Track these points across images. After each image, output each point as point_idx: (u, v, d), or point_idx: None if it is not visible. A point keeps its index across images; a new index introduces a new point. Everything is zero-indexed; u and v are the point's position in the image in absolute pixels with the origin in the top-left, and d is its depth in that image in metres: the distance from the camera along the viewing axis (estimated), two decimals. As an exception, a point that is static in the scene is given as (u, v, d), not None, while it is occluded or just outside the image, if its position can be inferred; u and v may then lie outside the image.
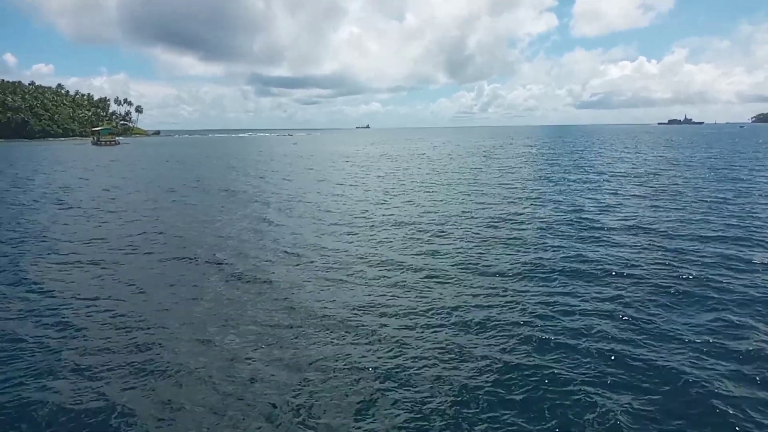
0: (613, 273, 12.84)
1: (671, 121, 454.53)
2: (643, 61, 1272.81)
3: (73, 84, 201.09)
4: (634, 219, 19.26)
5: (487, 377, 7.83)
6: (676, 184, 29.47)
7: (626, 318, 9.97)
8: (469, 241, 16.50)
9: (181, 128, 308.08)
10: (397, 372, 8.00)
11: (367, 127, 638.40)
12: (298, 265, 14.18)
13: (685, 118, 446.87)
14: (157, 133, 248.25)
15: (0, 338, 9.62)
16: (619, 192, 26.73)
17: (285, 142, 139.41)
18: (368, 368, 8.17)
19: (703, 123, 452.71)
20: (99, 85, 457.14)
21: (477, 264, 13.84)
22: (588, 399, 7.19)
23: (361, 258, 14.74)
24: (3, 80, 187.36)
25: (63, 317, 10.65)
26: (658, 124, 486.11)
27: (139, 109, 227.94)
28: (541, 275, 12.81)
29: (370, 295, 11.72)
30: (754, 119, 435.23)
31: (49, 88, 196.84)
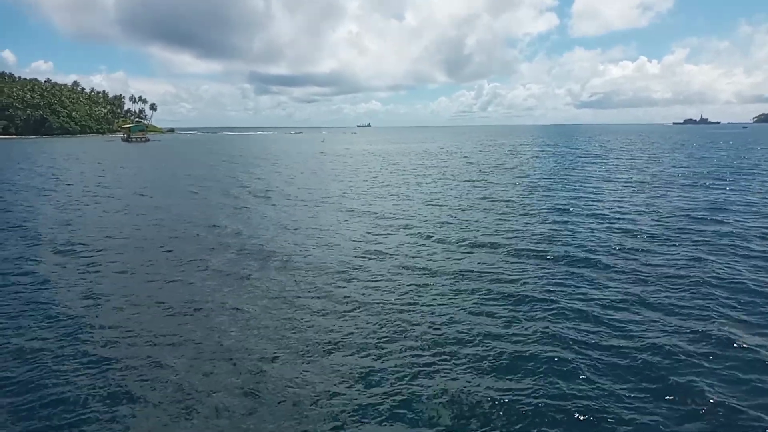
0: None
1: (687, 121, 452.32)
2: (643, 61, 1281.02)
3: (70, 81, 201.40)
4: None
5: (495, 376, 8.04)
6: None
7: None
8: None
9: (179, 125, 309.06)
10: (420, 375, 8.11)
11: (368, 125, 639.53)
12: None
13: (701, 118, 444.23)
14: (172, 130, 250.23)
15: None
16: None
17: (310, 140, 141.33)
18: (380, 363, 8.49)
19: (719, 123, 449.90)
20: (98, 82, 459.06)
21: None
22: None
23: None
24: (20, 77, 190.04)
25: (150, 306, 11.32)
26: (674, 123, 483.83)
27: (153, 107, 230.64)
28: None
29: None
30: (755, 119, 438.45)
31: (65, 85, 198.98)
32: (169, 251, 15.94)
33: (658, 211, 21.19)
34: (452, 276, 13.10)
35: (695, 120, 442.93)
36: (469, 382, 7.88)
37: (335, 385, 7.86)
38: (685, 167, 42.31)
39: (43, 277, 13.46)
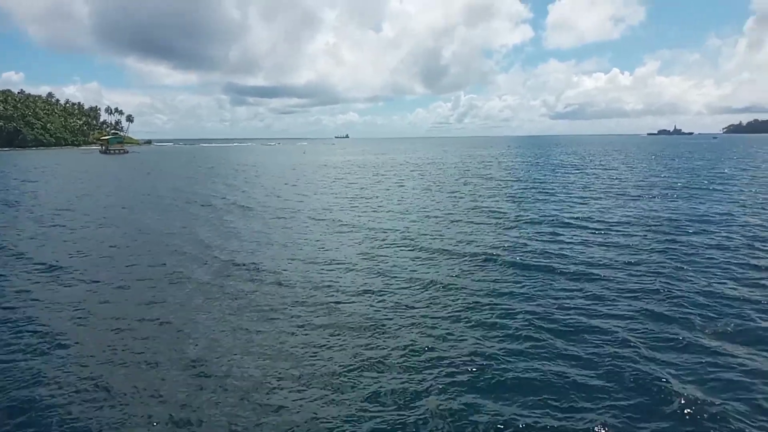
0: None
1: (660, 132, 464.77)
2: (616, 73, 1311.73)
3: (43, 92, 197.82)
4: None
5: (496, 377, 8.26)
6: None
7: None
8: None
9: (155, 137, 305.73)
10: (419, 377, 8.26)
11: (347, 136, 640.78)
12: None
13: (675, 129, 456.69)
14: (149, 142, 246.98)
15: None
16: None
17: (290, 152, 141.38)
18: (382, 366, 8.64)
19: (693, 134, 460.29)
20: (72, 93, 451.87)
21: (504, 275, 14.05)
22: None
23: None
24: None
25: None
26: (648, 134, 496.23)
27: (130, 119, 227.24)
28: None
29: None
30: (725, 130, 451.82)
31: (39, 96, 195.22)
32: (154, 266, 15.63)
33: (642, 222, 21.62)
34: (438, 286, 13.20)
35: (669, 131, 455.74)
36: (455, 395, 7.86)
37: (327, 396, 7.88)
38: (663, 177, 43.34)
39: (23, 293, 13.19)
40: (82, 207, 29.41)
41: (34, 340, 10.14)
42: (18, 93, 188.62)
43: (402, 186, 40.79)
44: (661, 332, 10.07)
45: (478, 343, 9.65)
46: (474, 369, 8.61)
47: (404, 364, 8.86)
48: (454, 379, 8.32)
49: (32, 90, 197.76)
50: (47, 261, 16.37)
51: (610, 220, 21.93)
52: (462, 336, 10.02)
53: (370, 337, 10.08)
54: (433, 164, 71.29)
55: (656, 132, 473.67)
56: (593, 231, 19.78)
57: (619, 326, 10.38)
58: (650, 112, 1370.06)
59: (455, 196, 32.31)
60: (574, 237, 18.80)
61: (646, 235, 18.79)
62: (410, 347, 9.52)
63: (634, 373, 8.40)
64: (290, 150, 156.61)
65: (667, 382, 8.08)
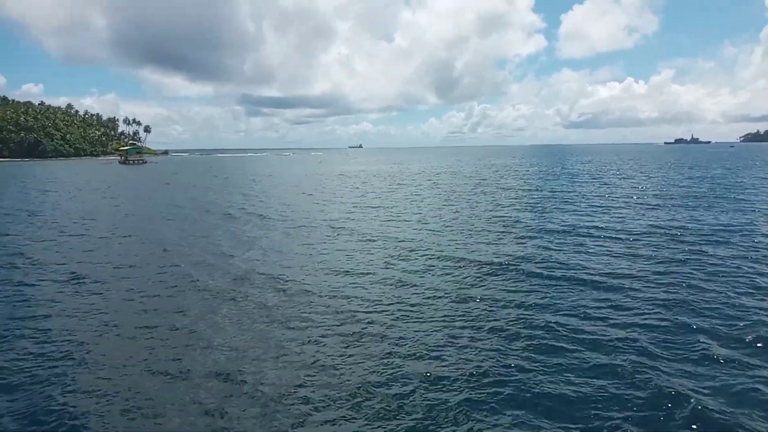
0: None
1: (677, 140, 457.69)
2: (630, 82, 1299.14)
3: (62, 104, 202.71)
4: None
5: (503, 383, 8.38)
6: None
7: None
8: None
9: (171, 148, 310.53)
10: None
11: (360, 146, 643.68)
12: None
13: (692, 138, 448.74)
14: (166, 152, 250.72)
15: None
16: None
17: (306, 161, 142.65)
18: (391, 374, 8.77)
19: (710, 142, 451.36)
20: (89, 104, 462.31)
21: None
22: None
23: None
24: (13, 100, 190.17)
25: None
26: (665, 143, 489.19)
27: (147, 129, 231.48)
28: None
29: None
30: (742, 139, 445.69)
31: (59, 108, 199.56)
32: (178, 275, 15.84)
33: (664, 231, 21.41)
34: (460, 296, 13.21)
35: (686, 139, 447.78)
36: (478, 407, 7.86)
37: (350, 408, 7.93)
38: (683, 186, 42.94)
39: (49, 302, 13.35)
40: (104, 216, 30.02)
41: (62, 348, 10.27)
42: (38, 105, 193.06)
43: (419, 195, 40.93)
44: (687, 344, 9.98)
45: (501, 354, 9.66)
46: (497, 380, 8.62)
47: (427, 374, 8.89)
48: (477, 390, 8.32)
49: (51, 101, 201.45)
50: (73, 270, 16.64)
51: (632, 230, 21.77)
52: (485, 347, 10.01)
53: (391, 347, 10.11)
54: (449, 173, 71.37)
55: (673, 141, 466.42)
56: (615, 240, 19.70)
57: (642, 337, 10.31)
58: (665, 120, 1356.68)
59: (473, 206, 32.33)
60: (596, 247, 18.72)
61: (669, 245, 18.64)
62: (433, 357, 9.56)
63: (658, 385, 8.35)
64: (306, 160, 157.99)
65: (693, 395, 8.00)
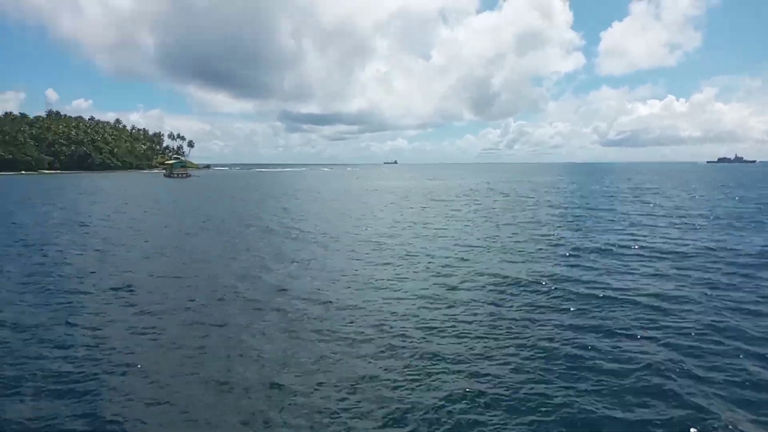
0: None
1: (721, 160, 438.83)
2: (671, 100, 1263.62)
3: (110, 119, 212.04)
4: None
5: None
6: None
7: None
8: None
9: (213, 162, 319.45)
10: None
11: (395, 162, 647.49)
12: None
13: (736, 157, 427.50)
14: (208, 166, 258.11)
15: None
16: None
17: (343, 176, 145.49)
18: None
19: (755, 162, 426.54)
20: (136, 119, 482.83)
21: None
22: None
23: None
24: (66, 115, 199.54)
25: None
26: (707, 162, 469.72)
27: (191, 144, 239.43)
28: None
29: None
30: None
31: (108, 123, 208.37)
32: (221, 288, 16.24)
33: (713, 253, 21.02)
34: (500, 315, 13.28)
35: (730, 158, 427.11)
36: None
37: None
38: (728, 207, 41.76)
39: (97, 314, 13.72)
40: (150, 227, 31.48)
41: (110, 357, 10.57)
42: (89, 119, 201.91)
43: (458, 211, 41.14)
44: (735, 370, 9.83)
45: (541, 372, 9.76)
46: (537, 401, 8.71)
47: (467, 389, 9.06)
48: (517, 409, 8.45)
49: (100, 116, 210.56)
50: (123, 280, 17.09)
51: (678, 251, 21.38)
52: (524, 366, 10.09)
53: (431, 362, 10.24)
54: (487, 190, 71.24)
55: (716, 160, 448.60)
56: (660, 260, 19.47)
57: (688, 360, 10.31)
58: (708, 139, 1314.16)
59: (514, 223, 32.33)
60: (642, 266, 18.55)
61: (716, 267, 18.26)
62: (468, 377, 9.63)
63: (701, 408, 8.35)
64: (343, 175, 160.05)
65: (737, 422, 7.95)
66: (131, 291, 15.84)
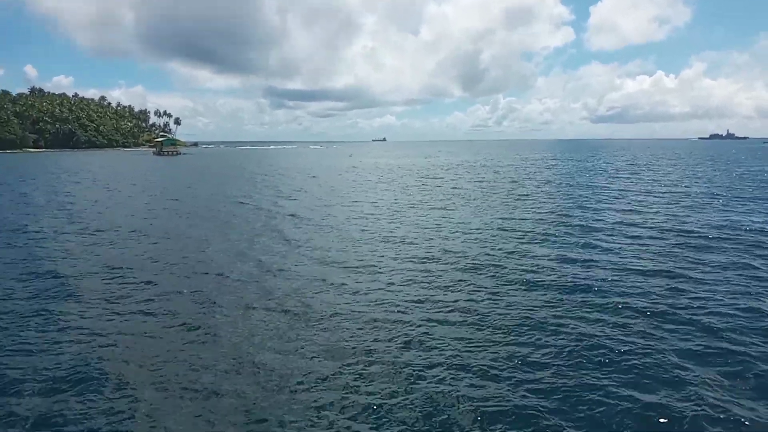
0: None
1: (712, 136, 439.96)
2: (661, 76, 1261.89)
3: (91, 95, 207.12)
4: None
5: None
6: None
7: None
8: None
9: (197, 139, 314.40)
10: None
11: (384, 140, 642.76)
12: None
13: (728, 133, 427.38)
14: (195, 144, 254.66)
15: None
16: None
17: (334, 154, 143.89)
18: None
19: (747, 138, 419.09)
20: (117, 96, 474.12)
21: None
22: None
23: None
24: (50, 93, 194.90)
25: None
26: (699, 138, 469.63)
27: (177, 121, 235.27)
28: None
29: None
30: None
31: (93, 100, 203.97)
32: (223, 274, 15.35)
33: (724, 233, 20.69)
34: (504, 300, 12.71)
35: (721, 135, 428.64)
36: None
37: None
38: (727, 185, 41.60)
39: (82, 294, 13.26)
40: (143, 206, 30.66)
41: (101, 343, 10.17)
42: (72, 96, 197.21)
43: (457, 188, 40.57)
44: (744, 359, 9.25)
45: (548, 366, 9.13)
46: (553, 389, 8.23)
47: (456, 381, 8.55)
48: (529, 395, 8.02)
49: (81, 93, 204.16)
50: (118, 262, 16.55)
51: (684, 229, 20.89)
52: (527, 354, 9.53)
53: (443, 353, 9.64)
54: (481, 167, 70.63)
55: (708, 136, 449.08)
56: (668, 241, 18.94)
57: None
58: (697, 115, 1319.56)
59: (512, 200, 31.81)
60: (656, 246, 18.07)
61: (733, 249, 17.69)
62: (479, 370, 8.95)
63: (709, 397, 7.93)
64: (334, 153, 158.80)
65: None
66: (125, 275, 15.11)
